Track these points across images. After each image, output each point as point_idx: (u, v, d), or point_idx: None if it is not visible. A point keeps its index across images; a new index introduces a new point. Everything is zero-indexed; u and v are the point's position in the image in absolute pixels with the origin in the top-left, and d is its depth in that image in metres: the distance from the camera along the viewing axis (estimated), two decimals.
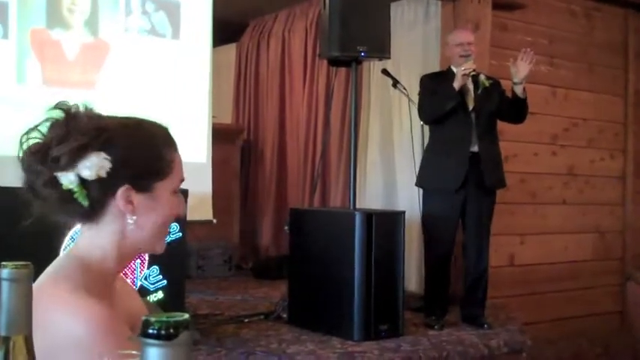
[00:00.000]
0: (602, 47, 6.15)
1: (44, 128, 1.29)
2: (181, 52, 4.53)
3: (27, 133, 1.29)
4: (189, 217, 3.99)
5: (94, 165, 1.27)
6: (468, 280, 4.51)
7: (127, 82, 4.29)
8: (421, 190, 4.69)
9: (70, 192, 1.27)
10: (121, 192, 1.31)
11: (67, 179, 1.26)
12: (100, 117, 1.33)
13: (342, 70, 5.29)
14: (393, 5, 4.77)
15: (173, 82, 4.49)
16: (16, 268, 0.83)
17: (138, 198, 1.32)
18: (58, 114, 1.29)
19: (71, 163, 1.26)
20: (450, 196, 4.38)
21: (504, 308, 5.01)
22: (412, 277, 5.36)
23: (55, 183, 1.27)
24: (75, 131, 1.27)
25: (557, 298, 5.76)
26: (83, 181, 1.27)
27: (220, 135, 5.63)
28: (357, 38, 4.33)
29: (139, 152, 1.34)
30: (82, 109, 1.31)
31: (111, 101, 4.08)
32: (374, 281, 4.03)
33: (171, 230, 3.81)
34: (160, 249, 1.40)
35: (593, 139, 6.12)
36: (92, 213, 1.32)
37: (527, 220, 5.65)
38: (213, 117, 4.96)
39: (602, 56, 6.15)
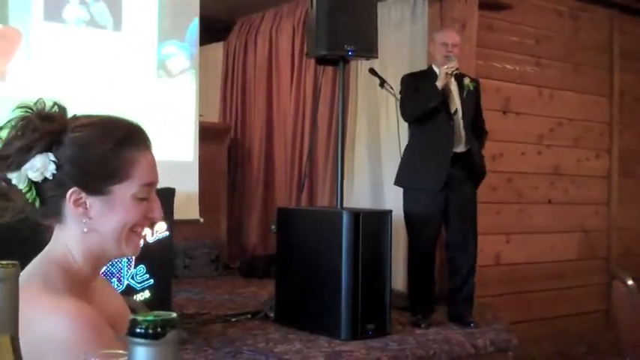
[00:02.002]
0: (587, 48, 6.19)
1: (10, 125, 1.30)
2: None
3: None
4: (175, 217, 3.97)
5: (37, 166, 1.25)
6: (453, 278, 4.52)
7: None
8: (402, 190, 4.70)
9: (23, 192, 1.27)
10: (69, 194, 1.28)
11: (17, 179, 1.26)
12: (60, 117, 1.30)
13: (330, 69, 5.29)
14: (380, 5, 4.77)
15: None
16: (2, 267, 0.82)
17: (91, 200, 1.29)
18: (19, 113, 1.29)
19: (18, 164, 1.26)
20: (431, 195, 4.39)
21: (490, 307, 5.03)
22: (399, 276, 5.36)
23: (8, 182, 1.27)
24: (27, 131, 1.27)
25: (543, 297, 5.79)
26: (35, 182, 1.27)
27: (207, 134, 5.61)
28: (345, 37, 4.33)
29: (90, 153, 1.29)
30: (46, 108, 1.30)
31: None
32: (361, 280, 4.03)
33: (158, 228, 3.81)
34: (129, 252, 1.34)
35: (579, 139, 6.16)
36: (51, 214, 1.31)
37: (513, 219, 5.67)
38: (200, 115, 4.94)
39: (587, 56, 6.19)
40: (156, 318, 0.67)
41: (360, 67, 5.94)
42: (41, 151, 1.26)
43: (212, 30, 6.70)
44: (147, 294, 3.83)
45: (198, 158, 4.82)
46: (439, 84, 4.33)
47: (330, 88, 6.22)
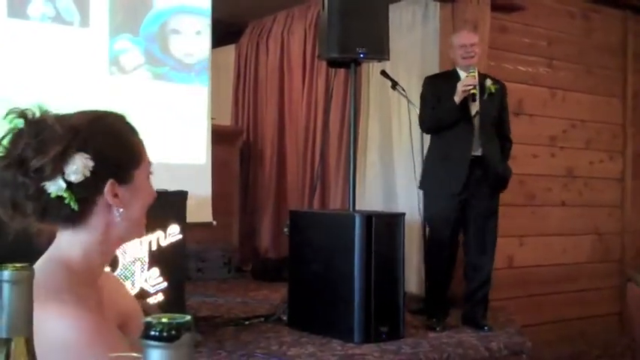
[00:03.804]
0: (600, 49, 6.16)
1: (6, 140, 1.25)
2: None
3: None
4: (188, 219, 3.98)
5: (79, 167, 1.25)
6: (469, 282, 4.51)
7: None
8: (421, 192, 4.69)
9: (57, 199, 1.25)
10: (107, 188, 1.30)
11: (56, 187, 1.24)
12: (63, 117, 1.29)
13: (341, 71, 5.29)
14: (391, 7, 4.77)
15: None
16: (16, 269, 0.82)
17: (121, 190, 1.31)
18: (17, 122, 1.26)
19: (57, 171, 1.24)
20: (451, 199, 4.38)
21: (504, 310, 5.01)
22: (412, 279, 5.35)
23: (41, 193, 1.24)
24: (49, 137, 1.24)
25: (556, 300, 5.76)
26: (69, 185, 1.25)
27: (219, 137, 5.62)
28: (356, 39, 4.33)
29: (115, 145, 1.32)
30: (38, 112, 1.27)
31: None
32: (374, 283, 4.02)
33: (171, 232, 3.82)
34: (140, 235, 1.40)
35: (592, 141, 6.13)
36: (79, 214, 1.29)
37: (526, 221, 5.65)
38: (212, 118, 4.95)
39: (600, 58, 6.16)
40: (170, 320, 0.67)
41: (372, 69, 5.94)
42: (76, 152, 1.25)
43: (223, 33, 6.71)
44: (160, 297, 3.83)
45: (211, 161, 4.83)
46: (456, 99, 4.31)
47: (341, 90, 6.22)
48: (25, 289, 0.83)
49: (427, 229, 4.63)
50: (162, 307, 3.72)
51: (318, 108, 6.62)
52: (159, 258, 3.79)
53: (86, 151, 1.26)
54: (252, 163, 7.35)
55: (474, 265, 4.48)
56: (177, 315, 0.69)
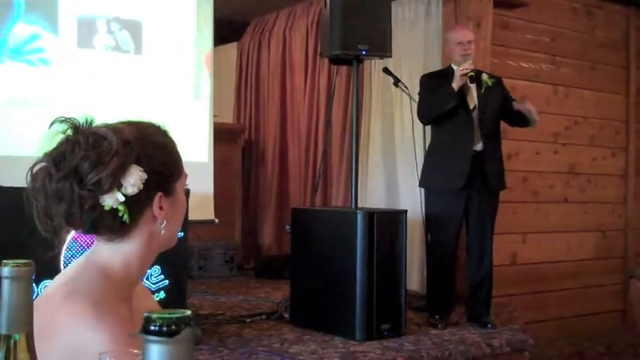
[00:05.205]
0: (603, 45, 6.15)
1: (53, 149, 1.24)
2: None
3: (38, 162, 1.23)
4: (190, 217, 3.97)
5: (136, 180, 1.24)
6: (472, 279, 4.50)
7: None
8: (423, 190, 4.68)
9: (110, 211, 1.24)
10: (156, 200, 1.30)
11: (112, 200, 1.23)
12: (116, 128, 1.27)
13: (344, 68, 5.28)
14: (394, 4, 4.76)
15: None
16: (17, 266, 0.82)
17: (166, 202, 1.32)
18: (69, 132, 1.24)
19: (115, 184, 1.23)
20: (453, 195, 4.37)
21: (506, 307, 5.00)
22: (414, 276, 5.35)
23: (97, 206, 1.23)
24: (108, 150, 1.22)
25: (559, 296, 5.75)
26: (124, 198, 1.25)
27: (222, 134, 5.61)
28: (358, 37, 4.32)
29: (162, 157, 1.32)
30: (85, 122, 1.26)
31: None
32: (376, 281, 4.02)
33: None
34: (172, 246, 1.40)
35: (595, 138, 6.12)
36: (127, 227, 1.29)
37: (529, 218, 5.64)
38: (214, 116, 4.95)
39: (603, 54, 6.15)
40: (170, 315, 0.66)
41: (374, 66, 5.93)
42: (131, 165, 1.24)
43: (225, 31, 6.71)
44: (162, 295, 3.83)
45: (213, 159, 4.83)
46: (455, 85, 4.30)
47: (344, 87, 6.21)
48: (26, 285, 0.83)
49: (429, 226, 4.61)
50: (164, 305, 3.71)
51: (320, 105, 6.62)
52: (160, 256, 3.76)
53: (140, 164, 1.25)
54: (254, 161, 7.35)
55: (475, 262, 4.48)
56: (177, 310, 0.68)
